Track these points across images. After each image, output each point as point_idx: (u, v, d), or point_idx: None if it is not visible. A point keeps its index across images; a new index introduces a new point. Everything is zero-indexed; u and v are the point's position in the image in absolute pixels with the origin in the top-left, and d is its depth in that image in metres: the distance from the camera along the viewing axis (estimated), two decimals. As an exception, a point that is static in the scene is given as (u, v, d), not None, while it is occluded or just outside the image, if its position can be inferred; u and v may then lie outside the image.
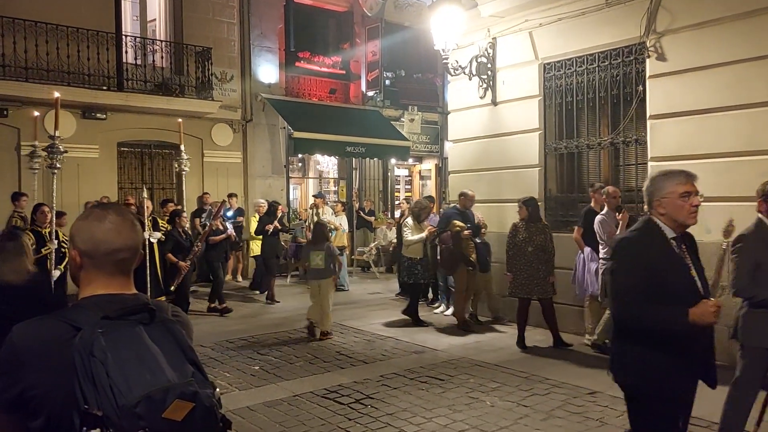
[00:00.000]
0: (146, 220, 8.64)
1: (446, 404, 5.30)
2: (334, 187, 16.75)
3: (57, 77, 10.83)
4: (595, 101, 7.82)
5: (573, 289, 7.48)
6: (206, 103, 12.55)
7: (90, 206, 1.69)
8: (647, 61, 7.10)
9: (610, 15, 7.40)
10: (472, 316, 8.66)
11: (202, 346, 7.26)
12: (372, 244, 14.13)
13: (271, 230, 10.42)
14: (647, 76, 7.12)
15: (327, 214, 11.83)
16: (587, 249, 7.17)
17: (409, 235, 8.64)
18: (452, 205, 8.45)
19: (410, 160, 17.27)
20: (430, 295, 10.21)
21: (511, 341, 7.57)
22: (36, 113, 8.20)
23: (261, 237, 10.71)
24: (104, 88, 11.45)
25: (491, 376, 6.12)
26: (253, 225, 11.21)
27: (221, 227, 9.74)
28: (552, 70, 8.23)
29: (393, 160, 16.43)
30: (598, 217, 6.91)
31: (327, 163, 16.76)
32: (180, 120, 8.55)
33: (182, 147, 8.27)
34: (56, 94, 6.12)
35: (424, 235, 8.57)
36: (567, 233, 8.01)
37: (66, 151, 6.07)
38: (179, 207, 9.37)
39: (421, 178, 18.59)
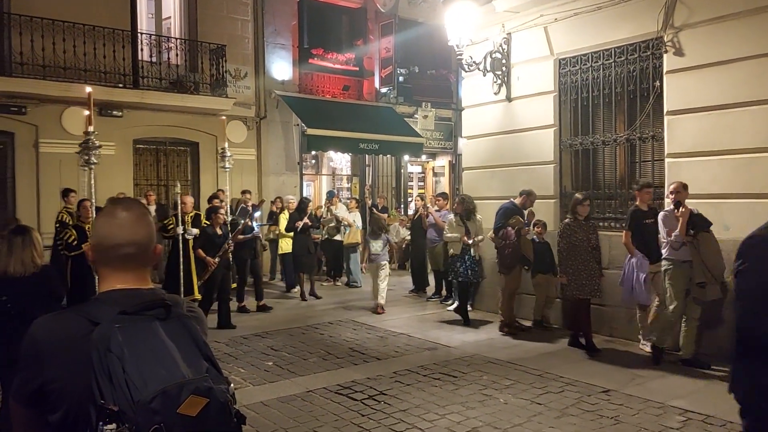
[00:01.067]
0: (186, 217, 8.67)
1: (459, 401, 5.30)
2: (347, 184, 16.76)
3: (74, 75, 10.93)
4: (611, 97, 7.74)
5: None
6: (220, 100, 12.60)
7: (106, 201, 1.69)
8: (664, 56, 7.02)
9: (627, 10, 7.33)
10: (536, 323, 8.13)
11: (217, 342, 7.31)
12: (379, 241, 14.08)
13: (300, 227, 10.26)
14: (664, 71, 7.04)
15: (341, 211, 11.83)
16: (638, 254, 6.60)
17: (449, 233, 8.49)
18: (509, 200, 7.98)
19: (423, 157, 17.22)
20: (444, 292, 10.20)
21: (524, 338, 7.55)
22: (86, 112, 8.23)
23: (291, 234, 10.52)
24: (120, 85, 11.55)
25: (504, 373, 6.10)
26: (283, 222, 10.96)
27: (249, 226, 9.52)
28: (567, 66, 8.17)
29: (406, 157, 16.40)
30: (661, 214, 6.40)
31: (340, 160, 16.78)
32: (223, 117, 8.55)
33: (226, 145, 8.27)
34: (88, 89, 6.15)
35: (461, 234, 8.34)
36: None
37: (101, 146, 6.08)
38: (216, 203, 9.23)
39: (435, 174, 18.55)
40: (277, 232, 11.60)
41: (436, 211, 10.17)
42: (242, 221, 9.28)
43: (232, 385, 1.50)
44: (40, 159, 11.05)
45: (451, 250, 8.46)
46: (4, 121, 10.81)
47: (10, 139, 11.02)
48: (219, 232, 8.48)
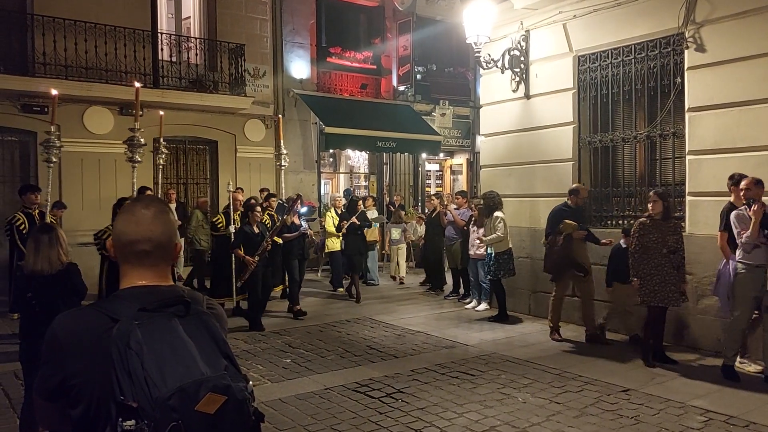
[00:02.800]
0: (235, 215, 8.61)
1: (477, 399, 5.28)
2: (365, 182, 16.78)
3: (95, 75, 11.07)
4: (631, 94, 7.66)
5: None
6: (239, 99, 12.69)
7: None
8: (685, 52, 6.93)
9: (647, 6, 7.24)
10: (601, 328, 7.30)
11: (235, 339, 7.37)
12: (396, 237, 14.08)
13: (345, 227, 10.01)
14: (685, 67, 6.95)
15: (370, 212, 11.78)
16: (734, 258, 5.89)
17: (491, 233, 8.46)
18: (563, 201, 7.46)
19: (441, 155, 17.18)
20: (461, 291, 10.18)
21: (544, 337, 7.52)
22: (161, 112, 8.36)
23: (339, 234, 10.32)
24: (141, 85, 11.66)
25: (523, 372, 6.07)
26: (330, 221, 10.75)
27: (296, 223, 9.08)
28: (587, 63, 8.09)
29: (424, 155, 16.37)
30: (733, 214, 5.78)
31: (358, 158, 16.80)
32: (280, 116, 8.51)
33: (282, 142, 8.20)
34: (137, 84, 6.23)
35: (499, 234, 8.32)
36: (599, 228, 7.90)
37: (145, 144, 6.15)
38: (253, 200, 8.84)
39: (452, 172, 18.50)
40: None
41: (455, 209, 10.15)
42: (281, 218, 8.86)
43: (250, 382, 1.50)
44: (62, 158, 11.18)
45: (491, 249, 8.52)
46: (27, 121, 10.98)
47: (33, 138, 11.18)
48: (256, 230, 8.17)
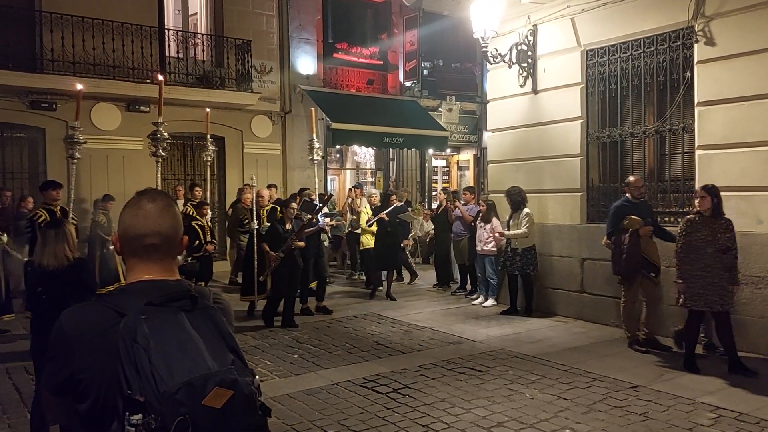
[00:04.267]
0: (262, 211, 8.50)
1: (485, 395, 5.27)
2: (372, 178, 16.77)
3: (103, 71, 11.11)
4: (639, 88, 7.60)
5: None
6: (246, 95, 12.70)
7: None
8: (695, 46, 6.87)
9: (656, -1, 7.18)
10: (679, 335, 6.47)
11: (243, 334, 7.39)
12: (409, 235, 14.07)
13: (373, 221, 9.74)
14: (695, 61, 6.89)
15: (363, 206, 11.77)
16: None
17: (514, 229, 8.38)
18: (623, 197, 6.92)
19: (448, 151, 17.15)
20: (469, 287, 10.16)
21: (551, 333, 7.49)
22: (207, 109, 8.33)
23: (373, 229, 10.06)
24: (148, 81, 11.71)
25: (530, 368, 6.05)
26: (363, 217, 10.52)
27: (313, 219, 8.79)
28: (595, 57, 8.04)
29: (430, 151, 16.34)
30: None
31: (364, 154, 16.79)
32: (312, 109, 8.37)
33: (315, 136, 8.11)
34: (160, 77, 6.21)
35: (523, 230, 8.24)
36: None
37: (169, 138, 6.14)
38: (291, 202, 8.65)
39: (459, 168, 18.45)
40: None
41: (463, 204, 10.12)
42: (308, 216, 8.51)
43: (257, 377, 1.50)
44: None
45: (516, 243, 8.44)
46: (36, 117, 11.05)
47: (42, 134, 11.25)
48: (288, 227, 8.02)
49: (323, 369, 6.14)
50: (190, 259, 8.70)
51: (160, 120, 5.76)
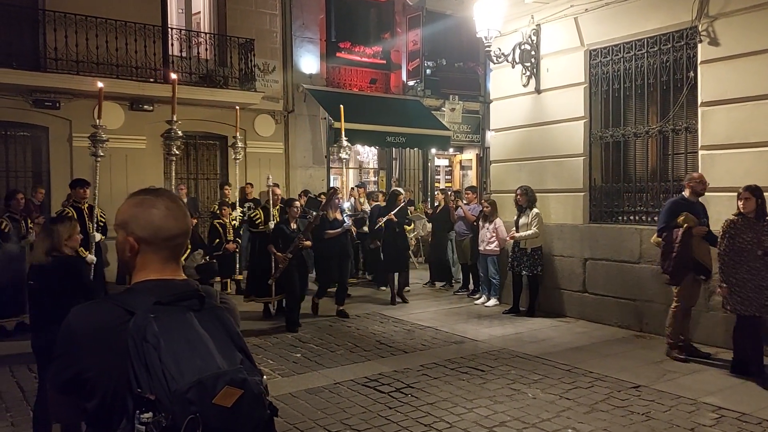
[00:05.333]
0: (274, 210, 8.29)
1: (487, 395, 5.28)
2: (374, 177, 16.77)
3: (106, 70, 11.12)
4: (643, 88, 7.60)
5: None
6: (249, 94, 12.70)
7: (135, 192, 1.65)
8: (699, 46, 6.86)
9: (660, -1, 7.18)
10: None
11: (246, 334, 7.38)
12: (411, 235, 14.09)
13: (382, 222, 9.40)
14: (699, 61, 6.88)
15: (365, 205, 11.76)
16: None
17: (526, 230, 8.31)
18: (679, 194, 6.55)
19: (451, 150, 17.14)
20: (471, 286, 10.16)
21: (553, 333, 7.50)
22: (238, 107, 8.32)
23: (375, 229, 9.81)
24: (151, 80, 11.71)
25: (532, 368, 6.06)
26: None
27: (338, 219, 8.50)
28: (598, 57, 8.03)
29: (433, 150, 16.34)
30: None
31: (367, 153, 16.78)
32: (341, 106, 8.31)
33: (343, 133, 8.07)
34: (173, 75, 6.22)
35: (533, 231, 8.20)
36: (611, 224, 7.87)
37: (182, 136, 6.16)
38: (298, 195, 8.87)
39: (462, 168, 18.45)
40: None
41: (466, 204, 10.13)
42: (314, 213, 8.26)
43: (265, 376, 1.51)
44: (74, 153, 11.27)
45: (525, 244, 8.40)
46: (39, 116, 11.06)
47: (45, 133, 11.27)
48: (293, 226, 7.87)
49: (326, 368, 6.15)
50: (208, 258, 8.68)
51: (174, 118, 5.78)
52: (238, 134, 7.77)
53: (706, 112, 6.84)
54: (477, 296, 9.64)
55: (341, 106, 8.30)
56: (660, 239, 6.32)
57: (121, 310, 1.47)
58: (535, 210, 8.35)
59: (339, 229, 8.39)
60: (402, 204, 9.61)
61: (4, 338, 7.30)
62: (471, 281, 10.19)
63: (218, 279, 9.48)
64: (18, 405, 5.19)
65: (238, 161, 7.80)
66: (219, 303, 1.60)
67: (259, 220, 8.46)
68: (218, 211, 9.77)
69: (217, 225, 9.48)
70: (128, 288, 1.59)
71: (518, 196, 8.45)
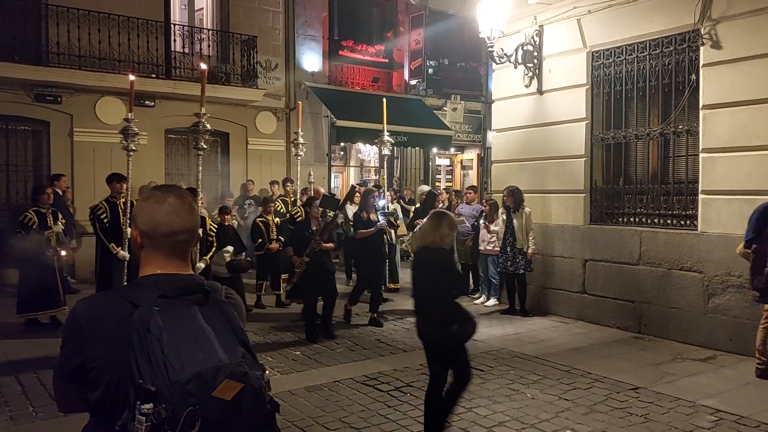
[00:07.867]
0: (296, 208, 8.21)
1: (486, 395, 5.28)
2: (375, 176, 16.78)
3: (108, 65, 11.13)
4: (645, 90, 7.60)
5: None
6: (251, 91, 12.71)
7: (151, 188, 1.70)
8: (701, 49, 6.86)
9: (663, 1, 7.17)
10: None
11: (246, 331, 7.37)
12: (411, 233, 14.08)
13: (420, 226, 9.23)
14: (701, 64, 6.88)
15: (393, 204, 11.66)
16: None
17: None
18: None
19: (452, 150, 17.15)
20: (471, 286, 10.16)
21: (553, 333, 7.50)
22: (299, 102, 8.31)
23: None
24: (153, 76, 11.72)
25: (532, 368, 6.06)
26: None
27: (372, 219, 8.09)
28: (600, 59, 8.03)
29: (434, 150, 16.35)
30: None
31: (368, 152, 16.79)
32: (384, 99, 8.34)
33: (385, 130, 7.96)
34: (203, 66, 6.22)
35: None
36: (611, 226, 7.87)
37: (211, 129, 6.16)
38: (312, 195, 8.33)
39: (463, 167, 18.47)
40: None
41: (466, 204, 10.12)
42: (335, 213, 7.76)
43: (267, 371, 1.52)
44: (74, 147, 11.28)
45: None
46: (40, 110, 11.07)
47: (46, 127, 11.27)
48: (314, 227, 7.34)
49: (325, 366, 6.15)
50: (244, 255, 8.52)
51: (203, 111, 5.78)
52: (300, 130, 7.70)
53: (707, 115, 6.84)
54: (476, 296, 9.64)
55: (384, 100, 8.25)
56: (749, 251, 5.59)
57: (127, 303, 1.49)
58: (527, 209, 8.38)
59: (372, 229, 7.99)
60: (440, 206, 9.27)
61: (38, 331, 7.31)
62: (471, 281, 10.18)
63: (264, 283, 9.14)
64: (17, 399, 5.20)
65: (299, 158, 7.76)
66: (224, 298, 1.61)
67: (300, 218, 8.14)
68: (283, 209, 9.33)
69: (260, 223, 8.91)
70: (134, 281, 1.62)
71: (505, 198, 8.49)
